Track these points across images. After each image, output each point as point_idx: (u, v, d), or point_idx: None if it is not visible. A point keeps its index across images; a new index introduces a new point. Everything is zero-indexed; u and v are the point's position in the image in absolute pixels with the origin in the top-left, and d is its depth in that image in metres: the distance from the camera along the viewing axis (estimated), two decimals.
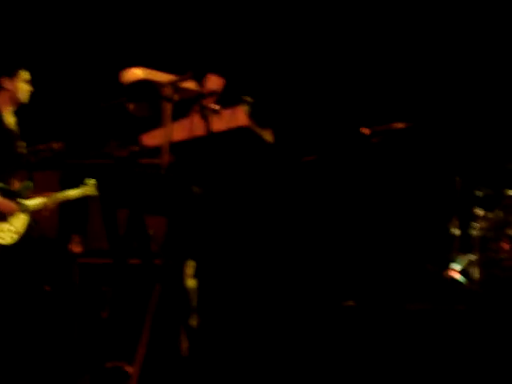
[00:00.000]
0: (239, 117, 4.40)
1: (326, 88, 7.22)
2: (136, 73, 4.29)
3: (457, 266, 6.27)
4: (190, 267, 4.00)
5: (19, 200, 4.50)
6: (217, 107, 4.17)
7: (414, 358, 4.79)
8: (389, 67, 7.42)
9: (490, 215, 6.36)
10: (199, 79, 4.44)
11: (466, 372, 4.64)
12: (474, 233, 6.36)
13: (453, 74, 7.49)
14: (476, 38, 7.43)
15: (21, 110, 4.82)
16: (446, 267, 6.28)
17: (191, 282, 4.03)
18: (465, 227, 6.47)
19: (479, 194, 6.64)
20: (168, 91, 4.03)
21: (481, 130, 7.45)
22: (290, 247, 5.23)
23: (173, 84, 4.03)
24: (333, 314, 5.24)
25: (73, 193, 4.75)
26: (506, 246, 6.18)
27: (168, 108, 3.99)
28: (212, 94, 4.44)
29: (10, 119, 4.65)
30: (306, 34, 7.31)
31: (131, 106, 4.45)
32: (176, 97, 4.02)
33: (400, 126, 5.12)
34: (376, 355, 4.82)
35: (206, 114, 4.11)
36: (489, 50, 7.39)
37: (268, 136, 4.99)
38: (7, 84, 4.55)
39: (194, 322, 3.92)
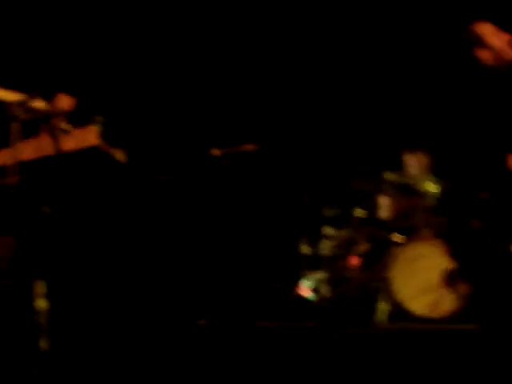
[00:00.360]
0: (90, 136, 4.36)
1: (178, 109, 7.26)
2: None
3: (306, 284, 6.43)
4: (40, 287, 3.91)
5: None
6: (67, 126, 4.12)
7: (266, 375, 4.88)
8: (237, 89, 7.54)
9: (338, 233, 6.56)
10: (49, 98, 4.38)
11: None
12: (323, 251, 6.54)
13: (297, 94, 7.69)
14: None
15: None
16: (296, 285, 6.44)
17: (41, 303, 3.94)
18: (314, 246, 6.65)
19: (328, 212, 6.86)
20: (16, 110, 3.95)
21: (328, 149, 7.68)
22: (142, 266, 5.22)
23: (21, 103, 3.96)
24: (186, 334, 5.26)
25: None
26: (354, 264, 6.39)
27: (16, 127, 3.92)
28: (62, 113, 4.38)
29: None
30: (153, 52, 7.32)
31: None
32: (24, 116, 3.96)
33: (250, 147, 5.23)
34: (228, 373, 4.88)
35: (55, 134, 4.06)
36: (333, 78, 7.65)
37: (120, 155, 4.98)
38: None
39: (44, 343, 3.83)
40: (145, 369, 4.74)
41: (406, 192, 6.57)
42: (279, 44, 7.58)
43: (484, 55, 3.57)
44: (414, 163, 6.87)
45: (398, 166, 6.88)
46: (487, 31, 3.52)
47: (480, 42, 3.55)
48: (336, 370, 4.89)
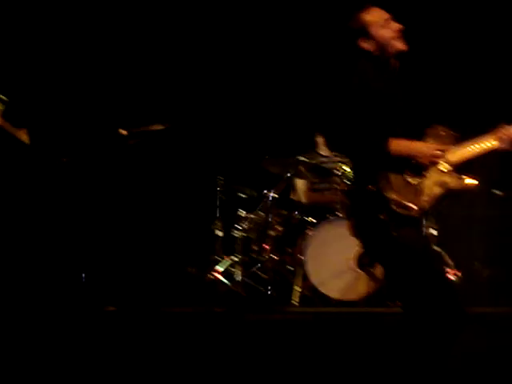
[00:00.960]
0: None
1: (84, 88, 7.10)
2: None
3: (220, 268, 6.37)
4: None
5: None
6: None
7: (180, 361, 4.83)
8: (146, 68, 7.44)
9: (252, 216, 6.50)
10: None
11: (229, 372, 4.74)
12: (237, 234, 6.49)
13: (209, 74, 7.66)
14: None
15: None
16: (209, 269, 6.37)
17: None
18: (228, 228, 6.59)
19: (241, 195, 6.81)
20: None
21: (241, 131, 7.65)
22: (47, 251, 5.09)
23: None
24: (95, 320, 5.15)
25: None
26: (267, 247, 6.36)
27: None
28: None
29: None
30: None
31: None
32: None
33: (158, 127, 5.12)
34: (141, 359, 4.81)
35: None
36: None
37: (23, 136, 4.83)
38: None
39: None
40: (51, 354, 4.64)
41: (319, 173, 6.57)
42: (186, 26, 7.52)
43: (368, 46, 3.67)
44: (323, 144, 6.90)
45: (309, 148, 6.89)
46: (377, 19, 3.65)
47: (365, 33, 3.65)
48: (249, 355, 4.87)
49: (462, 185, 3.61)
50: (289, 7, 7.56)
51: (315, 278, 5.98)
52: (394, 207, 3.49)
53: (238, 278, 6.29)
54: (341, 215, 6.20)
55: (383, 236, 3.53)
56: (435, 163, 3.60)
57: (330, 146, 6.79)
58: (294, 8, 7.55)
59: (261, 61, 7.68)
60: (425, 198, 3.56)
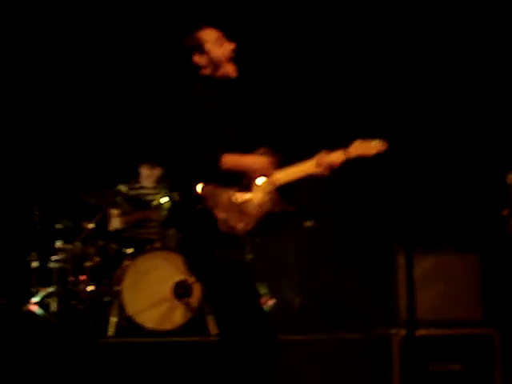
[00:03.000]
0: None
1: None
2: None
3: (35, 299, 6.34)
4: None
5: None
6: None
7: None
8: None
9: (69, 247, 6.52)
10: None
11: None
12: (53, 265, 6.48)
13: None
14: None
15: None
16: (25, 301, 6.33)
17: None
18: (44, 259, 6.57)
19: (59, 225, 6.81)
20: None
21: (58, 161, 7.62)
22: None
23: None
24: None
25: None
26: (83, 278, 6.39)
27: None
28: None
29: None
30: None
31: None
32: None
33: None
34: None
35: None
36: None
37: None
38: None
39: None
40: None
41: (138, 205, 6.71)
42: None
43: (201, 60, 3.86)
44: (146, 175, 7.05)
45: (130, 178, 7.01)
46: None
47: (200, 48, 3.84)
48: None
49: (282, 207, 3.78)
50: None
51: (131, 309, 6.09)
52: (220, 226, 3.58)
53: (54, 309, 6.29)
54: (157, 246, 6.39)
55: (207, 255, 3.62)
56: (267, 175, 3.76)
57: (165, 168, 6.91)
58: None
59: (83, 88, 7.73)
60: (248, 219, 3.68)
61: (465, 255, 5.73)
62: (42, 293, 6.41)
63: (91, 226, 6.47)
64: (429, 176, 6.78)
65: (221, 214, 3.59)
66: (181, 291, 6.14)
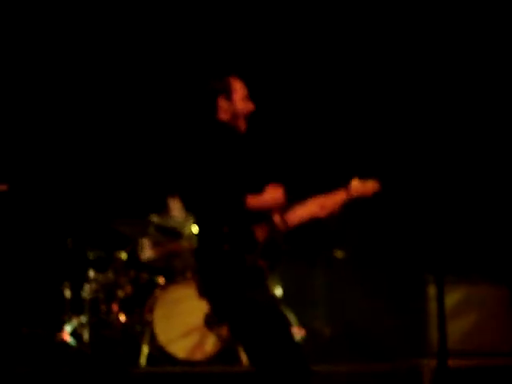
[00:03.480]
0: None
1: None
2: None
3: (68, 328, 6.42)
4: None
5: None
6: None
7: None
8: None
9: (101, 277, 6.59)
10: None
11: None
12: (85, 294, 6.56)
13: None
14: None
15: None
16: (58, 330, 6.40)
17: None
18: (76, 289, 6.65)
19: (91, 255, 6.89)
20: None
21: (91, 191, 7.72)
22: None
23: None
24: None
25: None
26: (115, 308, 6.47)
27: None
28: None
29: None
30: None
31: None
32: None
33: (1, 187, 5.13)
34: None
35: None
36: None
37: None
38: None
39: None
40: None
41: (170, 235, 6.78)
42: None
43: (226, 106, 4.00)
44: (177, 206, 7.12)
45: (162, 209, 7.09)
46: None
47: (227, 94, 4.00)
48: None
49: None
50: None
51: (163, 338, 6.15)
52: (250, 264, 3.69)
53: (86, 338, 6.37)
54: (189, 276, 6.45)
55: (237, 296, 3.69)
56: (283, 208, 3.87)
57: (185, 206, 6.99)
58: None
59: (112, 117, 7.88)
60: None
61: (496, 286, 5.74)
62: (75, 322, 6.48)
63: (123, 255, 6.56)
64: (462, 205, 6.79)
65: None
66: (212, 321, 6.18)
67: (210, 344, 6.17)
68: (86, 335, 6.38)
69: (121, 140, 7.89)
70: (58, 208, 7.62)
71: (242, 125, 4.04)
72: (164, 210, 7.13)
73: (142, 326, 6.35)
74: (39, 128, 7.67)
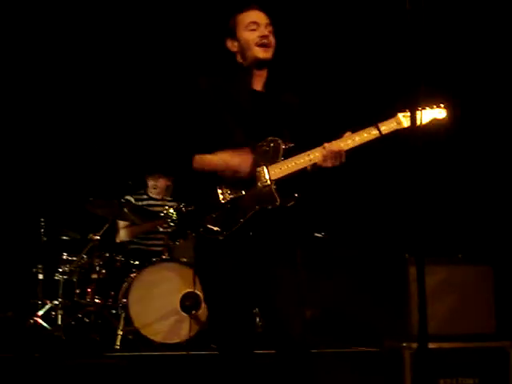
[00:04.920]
0: None
1: None
2: None
3: (40, 312, 6.34)
4: None
5: None
6: None
7: None
8: None
9: (75, 259, 6.52)
10: None
11: None
12: (59, 277, 6.49)
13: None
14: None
15: None
16: (30, 313, 6.32)
17: None
18: (49, 272, 6.57)
19: (65, 237, 6.82)
20: None
21: (63, 172, 7.64)
22: None
23: None
24: None
25: None
26: (90, 291, 6.40)
27: None
28: None
29: None
30: None
31: None
32: None
33: None
34: None
35: None
36: None
37: None
38: None
39: None
40: None
41: (146, 216, 6.71)
42: None
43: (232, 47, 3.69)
44: (153, 186, 7.06)
45: (137, 189, 7.02)
46: None
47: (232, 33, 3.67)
48: None
49: (280, 203, 3.52)
50: None
51: (138, 322, 6.09)
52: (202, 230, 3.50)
53: (60, 322, 6.29)
54: (165, 257, 6.38)
55: (201, 260, 3.58)
56: (249, 177, 3.52)
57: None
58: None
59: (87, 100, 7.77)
60: (240, 217, 3.51)
61: (478, 267, 5.70)
62: (48, 305, 6.41)
63: (97, 237, 6.47)
64: (442, 186, 6.75)
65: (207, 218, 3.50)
66: (188, 304, 6.13)
67: (186, 327, 6.12)
68: (59, 319, 6.30)
69: (99, 118, 7.81)
70: (31, 189, 7.54)
71: (257, 56, 3.62)
72: (140, 190, 7.06)
73: (116, 310, 6.30)
74: (11, 108, 7.56)
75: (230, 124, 3.59)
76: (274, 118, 3.65)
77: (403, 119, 3.60)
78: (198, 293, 6.04)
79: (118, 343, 6.06)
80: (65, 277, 6.48)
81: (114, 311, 6.33)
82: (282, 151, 3.60)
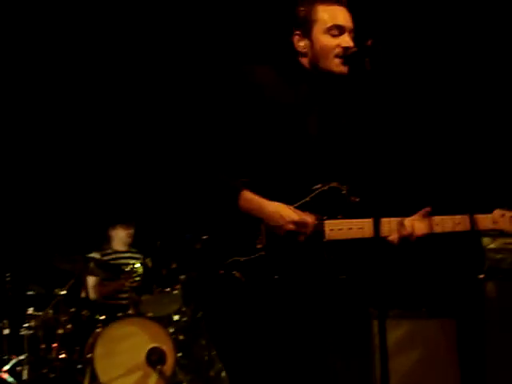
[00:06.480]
0: None
1: None
2: None
3: (6, 367, 6.34)
4: None
5: None
6: None
7: None
8: None
9: (41, 314, 6.54)
10: None
11: None
12: (25, 332, 6.49)
13: None
14: None
15: None
16: None
17: None
18: (15, 326, 6.58)
19: (30, 292, 6.83)
20: None
21: (31, 227, 7.65)
22: None
23: None
24: None
25: None
26: (55, 346, 6.40)
27: None
28: None
29: None
30: None
31: None
32: None
33: None
34: None
35: None
36: None
37: None
38: None
39: None
40: None
41: (111, 270, 6.76)
42: None
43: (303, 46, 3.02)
44: (118, 238, 7.12)
45: (102, 243, 7.08)
46: None
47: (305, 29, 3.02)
48: None
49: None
50: None
51: (104, 377, 6.09)
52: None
53: (25, 377, 6.28)
54: (130, 312, 6.42)
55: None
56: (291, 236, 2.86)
57: None
58: None
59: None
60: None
61: (441, 320, 5.78)
62: (14, 360, 6.41)
63: (63, 292, 6.50)
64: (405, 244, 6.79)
65: None
66: (154, 358, 6.15)
67: (152, 382, 6.14)
68: (24, 374, 6.30)
69: (61, 174, 7.85)
70: None
71: (332, 69, 2.95)
72: (105, 243, 7.12)
73: (82, 365, 6.29)
74: None
75: (284, 145, 2.92)
76: (343, 157, 3.05)
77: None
78: (164, 348, 6.10)
79: None
80: (30, 332, 6.49)
81: (79, 366, 6.33)
82: (342, 205, 3.02)
